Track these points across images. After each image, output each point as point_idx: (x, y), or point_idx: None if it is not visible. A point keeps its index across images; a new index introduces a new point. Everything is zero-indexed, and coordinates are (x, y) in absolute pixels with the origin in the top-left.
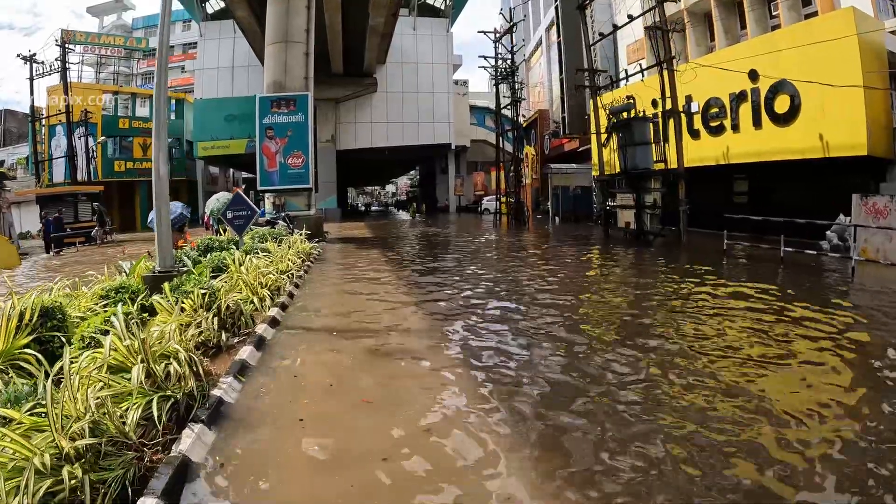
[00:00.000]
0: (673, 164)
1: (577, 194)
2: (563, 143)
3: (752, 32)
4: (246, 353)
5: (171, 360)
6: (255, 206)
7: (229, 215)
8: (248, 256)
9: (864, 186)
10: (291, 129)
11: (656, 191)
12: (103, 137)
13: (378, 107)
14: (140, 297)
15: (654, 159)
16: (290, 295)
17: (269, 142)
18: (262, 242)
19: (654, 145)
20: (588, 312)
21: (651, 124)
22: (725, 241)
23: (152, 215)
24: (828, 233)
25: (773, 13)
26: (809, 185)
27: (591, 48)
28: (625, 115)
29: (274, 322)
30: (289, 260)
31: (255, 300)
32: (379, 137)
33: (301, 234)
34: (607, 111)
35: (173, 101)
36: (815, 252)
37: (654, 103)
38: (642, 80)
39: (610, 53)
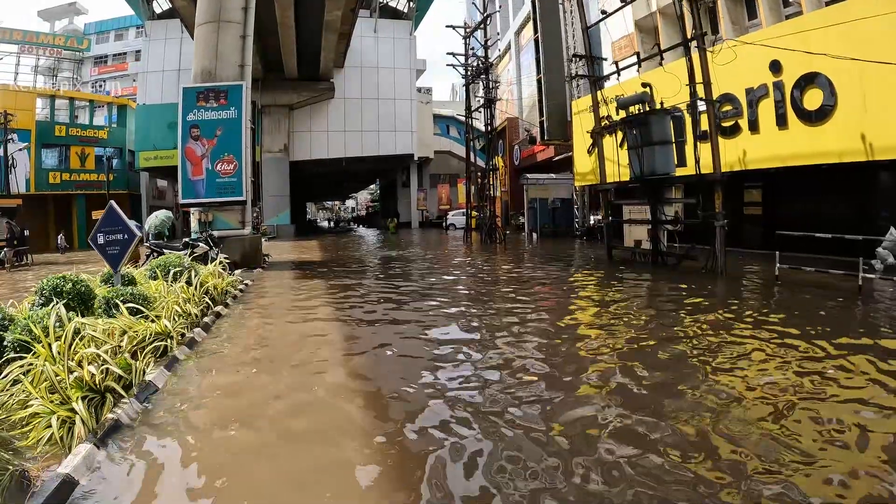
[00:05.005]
0: (706, 169)
1: (556, 207)
2: (535, 151)
3: (765, 22)
4: None
5: None
6: (132, 227)
7: (100, 240)
8: (79, 321)
9: None
10: (221, 126)
11: (678, 201)
12: (26, 144)
13: (335, 114)
14: None
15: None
16: (144, 393)
17: (193, 143)
18: (154, 279)
19: (674, 145)
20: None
21: (671, 120)
22: (777, 265)
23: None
24: (879, 250)
25: (788, 1)
26: (834, 193)
27: (586, 32)
28: (637, 108)
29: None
30: (176, 313)
31: (55, 422)
32: (336, 147)
33: (218, 263)
34: (615, 105)
35: (115, 108)
36: (870, 275)
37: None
38: (661, 65)
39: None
